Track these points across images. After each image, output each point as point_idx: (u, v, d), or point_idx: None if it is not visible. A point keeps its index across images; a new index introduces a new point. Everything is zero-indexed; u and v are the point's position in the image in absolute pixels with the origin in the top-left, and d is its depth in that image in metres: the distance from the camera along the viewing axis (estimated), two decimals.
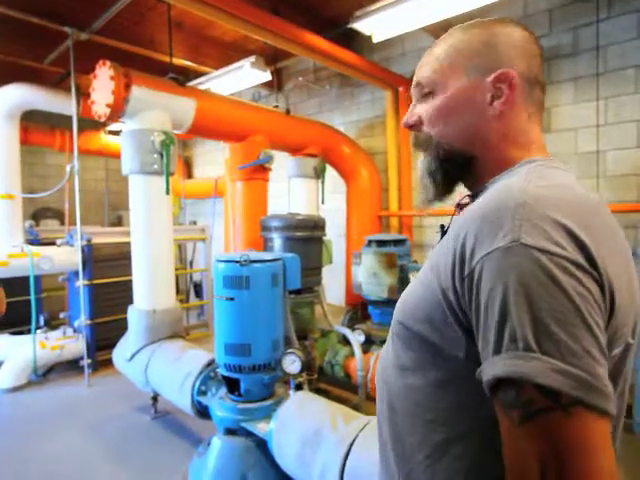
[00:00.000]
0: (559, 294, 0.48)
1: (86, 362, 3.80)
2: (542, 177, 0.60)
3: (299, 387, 2.29)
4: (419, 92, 0.75)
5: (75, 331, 4.04)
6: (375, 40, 3.60)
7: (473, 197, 0.74)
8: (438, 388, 0.63)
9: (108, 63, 2.84)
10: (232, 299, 2.15)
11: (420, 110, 0.75)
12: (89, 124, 5.20)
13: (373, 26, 3.35)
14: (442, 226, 0.77)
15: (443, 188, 0.75)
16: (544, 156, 0.68)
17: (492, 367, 0.50)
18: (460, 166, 0.72)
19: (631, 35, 3.08)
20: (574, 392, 0.46)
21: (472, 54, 0.69)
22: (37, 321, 3.89)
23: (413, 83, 0.77)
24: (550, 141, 3.49)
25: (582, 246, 0.51)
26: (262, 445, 2.11)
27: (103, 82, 2.87)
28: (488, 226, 0.54)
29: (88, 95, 3.08)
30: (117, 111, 2.88)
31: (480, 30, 0.71)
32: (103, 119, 2.94)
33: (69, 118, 3.84)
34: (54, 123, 5.50)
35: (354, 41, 4.49)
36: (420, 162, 0.76)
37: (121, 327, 3.42)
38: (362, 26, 3.35)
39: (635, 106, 3.10)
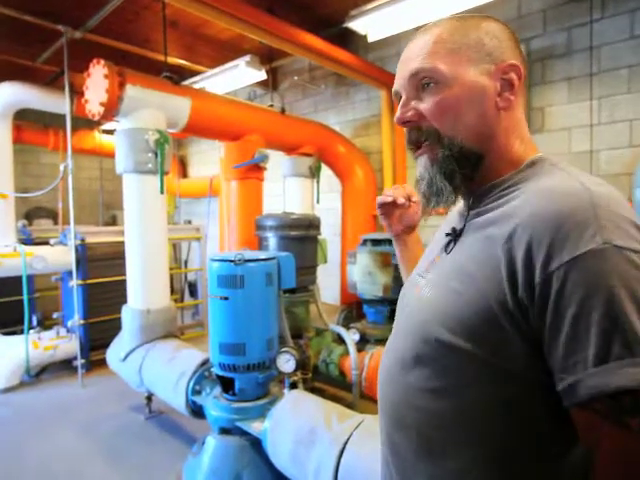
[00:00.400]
0: None
1: (80, 362, 3.77)
2: (583, 175, 0.59)
3: (294, 386, 2.28)
4: (416, 83, 0.67)
5: (68, 331, 4.01)
6: (370, 39, 3.60)
7: (476, 196, 0.69)
8: (489, 408, 0.59)
9: (102, 61, 2.83)
10: (226, 298, 2.15)
11: (419, 104, 0.67)
12: (83, 123, 5.17)
13: (368, 25, 3.36)
14: (454, 229, 0.70)
15: (459, 190, 0.68)
16: (541, 155, 0.67)
17: (603, 377, 0.47)
18: (474, 165, 0.66)
19: (624, 36, 3.10)
20: None
21: (478, 44, 0.65)
22: (30, 321, 3.86)
23: (406, 74, 0.68)
24: (544, 140, 3.51)
25: None
26: (257, 444, 2.11)
27: (97, 81, 2.86)
28: (566, 229, 0.51)
29: (82, 94, 3.06)
30: (111, 110, 2.86)
31: (476, 22, 0.67)
32: (97, 118, 2.93)
33: (63, 117, 3.81)
34: (47, 122, 5.46)
35: (349, 40, 4.49)
36: (428, 164, 0.68)
37: (115, 327, 3.40)
38: (357, 25, 3.36)
39: (628, 106, 3.13)
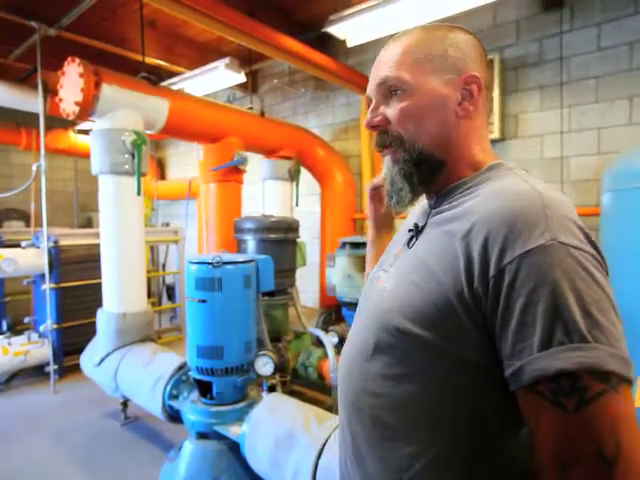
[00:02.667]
0: (595, 286, 0.53)
1: (52, 368, 3.67)
2: (534, 180, 0.64)
3: (272, 389, 2.28)
4: (384, 90, 0.72)
5: (40, 336, 3.90)
6: (349, 45, 3.64)
7: (439, 197, 0.73)
8: (445, 393, 0.62)
9: (77, 60, 2.77)
10: (204, 301, 2.13)
11: (386, 110, 0.72)
12: (57, 122, 5.05)
13: (347, 31, 3.39)
14: (417, 225, 0.75)
15: (418, 191, 0.73)
16: (500, 161, 0.72)
17: (545, 361, 0.51)
18: (433, 168, 0.71)
19: (592, 47, 3.23)
20: (623, 372, 0.51)
21: (442, 55, 0.69)
22: None
23: (376, 81, 0.73)
24: (518, 146, 3.61)
25: (593, 242, 0.57)
26: (235, 448, 2.09)
27: (72, 79, 2.80)
28: (519, 227, 0.55)
29: (56, 92, 2.99)
30: (86, 109, 2.81)
31: (444, 33, 0.71)
32: (72, 117, 2.87)
33: (35, 116, 3.72)
34: (20, 121, 5.31)
35: (329, 45, 4.52)
36: (390, 165, 0.73)
37: (89, 331, 3.32)
38: (336, 30, 3.39)
39: (596, 115, 3.25)
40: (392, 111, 0.71)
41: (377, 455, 0.67)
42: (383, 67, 0.72)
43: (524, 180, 0.64)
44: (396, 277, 0.70)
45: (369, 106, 0.75)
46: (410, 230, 0.76)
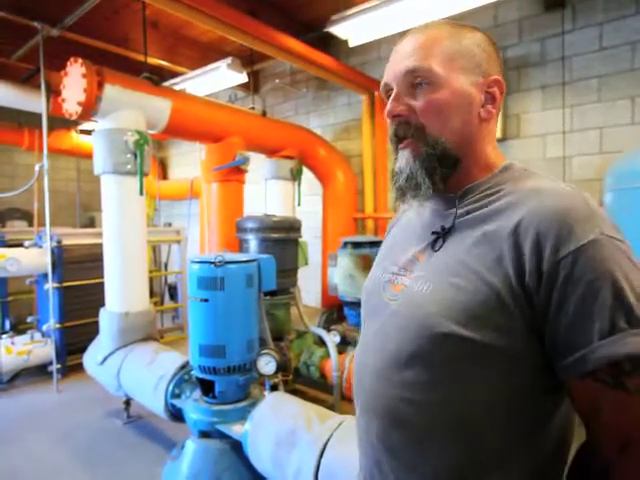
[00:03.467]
0: (638, 272, 0.57)
1: (55, 367, 3.68)
2: (559, 181, 0.66)
3: (274, 388, 2.29)
4: (410, 80, 0.69)
5: (43, 335, 3.92)
6: (351, 44, 3.65)
7: (460, 196, 0.72)
8: (491, 394, 0.62)
9: (80, 60, 2.78)
10: (206, 300, 2.14)
11: (411, 100, 0.70)
12: (60, 123, 5.06)
13: (349, 31, 3.40)
14: (443, 227, 0.72)
15: (438, 188, 0.71)
16: (511, 162, 0.74)
17: (611, 348, 0.53)
18: (452, 166, 0.71)
19: (594, 47, 3.23)
20: None
21: (470, 54, 0.70)
22: (2, 325, 3.76)
23: (402, 69, 0.70)
24: (520, 146, 3.61)
25: (622, 234, 0.61)
26: (237, 447, 2.10)
27: (74, 79, 2.81)
28: (571, 223, 0.58)
29: (58, 93, 3.01)
30: (89, 110, 2.82)
31: (470, 33, 0.72)
32: (74, 117, 2.88)
33: (38, 116, 3.73)
34: (22, 121, 5.33)
35: (331, 45, 4.53)
36: (410, 158, 0.71)
37: (92, 331, 3.33)
38: (338, 30, 3.40)
39: (598, 114, 3.25)
40: (419, 103, 0.69)
41: (425, 464, 0.66)
42: (411, 56, 0.69)
43: (551, 180, 0.67)
44: (432, 281, 0.67)
45: (379, 96, 0.74)
46: (434, 232, 0.73)
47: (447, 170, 0.70)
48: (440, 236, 0.71)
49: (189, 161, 6.82)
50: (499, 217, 0.64)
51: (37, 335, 3.93)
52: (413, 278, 0.71)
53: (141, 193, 3.01)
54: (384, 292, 0.76)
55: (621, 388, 0.54)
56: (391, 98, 0.71)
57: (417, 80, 0.69)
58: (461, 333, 0.61)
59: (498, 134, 3.60)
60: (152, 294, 4.89)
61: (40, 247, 3.93)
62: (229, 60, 4.17)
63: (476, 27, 0.74)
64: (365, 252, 3.36)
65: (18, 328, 4.28)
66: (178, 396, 2.53)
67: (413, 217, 0.83)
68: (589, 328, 0.55)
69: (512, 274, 0.60)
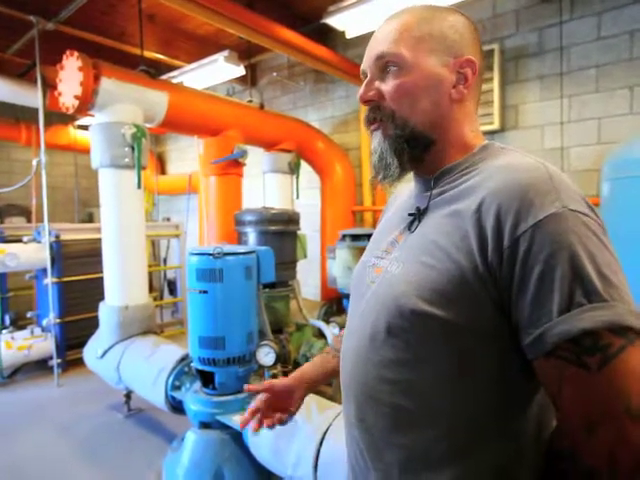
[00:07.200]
0: (605, 250, 0.56)
1: (55, 362, 3.70)
2: (533, 157, 0.65)
3: (274, 379, 2.29)
4: (380, 65, 0.71)
5: (43, 330, 3.93)
6: (348, 36, 3.63)
7: (436, 177, 0.72)
8: (463, 371, 0.62)
9: (76, 53, 2.77)
10: (205, 292, 2.14)
11: (381, 85, 0.71)
12: (57, 118, 5.05)
13: (346, 22, 3.38)
14: (418, 208, 0.73)
15: (406, 168, 0.73)
16: (490, 142, 0.74)
17: (568, 323, 0.52)
18: (422, 147, 0.71)
19: (592, 37, 3.21)
20: (639, 326, 0.52)
21: (441, 36, 0.69)
22: (2, 321, 3.76)
23: (373, 55, 0.72)
24: (518, 137, 3.60)
25: (594, 210, 0.59)
26: (237, 437, 2.11)
27: (71, 73, 2.80)
28: (530, 197, 0.56)
29: (55, 87, 2.99)
30: (86, 103, 2.81)
31: (444, 14, 0.71)
32: (71, 111, 2.87)
33: (35, 111, 3.72)
34: (19, 116, 5.31)
35: (328, 37, 4.51)
36: (381, 139, 0.72)
37: (92, 325, 3.34)
38: (335, 22, 3.38)
39: (596, 104, 3.24)
40: (387, 87, 0.70)
41: (399, 443, 0.66)
42: (382, 42, 0.71)
43: (524, 155, 0.66)
44: (403, 260, 0.69)
45: (362, 82, 0.74)
46: (411, 214, 0.74)
47: (417, 151, 0.71)
48: (416, 217, 0.73)
49: (187, 156, 6.80)
50: (468, 196, 0.64)
51: (37, 330, 3.95)
52: (390, 259, 0.73)
53: (139, 186, 3.01)
54: (368, 276, 0.77)
55: (582, 366, 0.52)
56: (363, 83, 0.73)
57: (387, 64, 0.70)
58: (430, 310, 0.61)
59: (496, 125, 3.59)
60: (151, 289, 4.90)
61: (39, 242, 3.93)
62: (226, 53, 4.15)
63: (455, 9, 0.73)
64: (364, 244, 3.37)
65: (18, 323, 4.29)
66: (178, 388, 2.54)
67: (402, 202, 0.84)
68: (549, 305, 0.54)
69: (476, 252, 0.59)
